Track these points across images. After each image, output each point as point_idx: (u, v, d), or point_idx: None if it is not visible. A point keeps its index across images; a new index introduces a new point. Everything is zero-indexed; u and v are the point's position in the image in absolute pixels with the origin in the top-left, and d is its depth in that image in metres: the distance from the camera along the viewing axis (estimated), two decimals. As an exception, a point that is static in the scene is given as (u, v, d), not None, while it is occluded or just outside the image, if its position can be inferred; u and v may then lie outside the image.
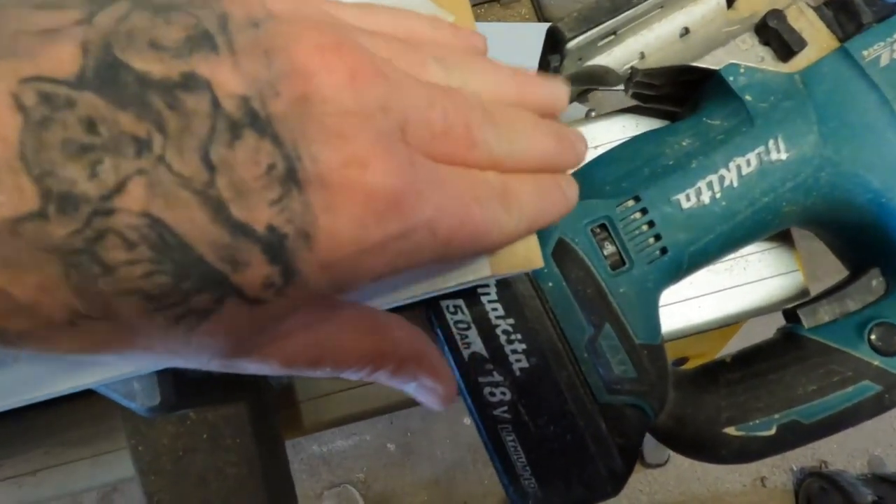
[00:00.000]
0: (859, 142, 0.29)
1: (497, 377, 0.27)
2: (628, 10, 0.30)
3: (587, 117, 0.40)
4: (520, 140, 0.18)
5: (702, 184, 0.29)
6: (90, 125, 0.11)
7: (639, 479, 1.26)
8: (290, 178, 0.12)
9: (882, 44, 0.29)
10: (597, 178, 0.30)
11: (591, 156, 0.38)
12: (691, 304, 0.36)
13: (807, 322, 0.30)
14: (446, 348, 0.27)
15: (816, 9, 0.30)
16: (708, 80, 0.31)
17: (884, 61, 0.29)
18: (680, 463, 1.25)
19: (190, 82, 0.11)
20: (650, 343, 0.28)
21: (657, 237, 0.29)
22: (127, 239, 0.11)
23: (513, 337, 0.27)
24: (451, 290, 0.22)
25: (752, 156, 0.29)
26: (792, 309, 0.31)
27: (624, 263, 0.28)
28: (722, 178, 0.29)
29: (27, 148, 0.10)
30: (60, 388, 0.19)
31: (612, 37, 0.31)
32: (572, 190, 0.21)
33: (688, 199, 0.29)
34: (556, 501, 0.27)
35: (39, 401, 0.20)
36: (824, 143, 0.29)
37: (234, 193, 0.12)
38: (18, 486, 0.36)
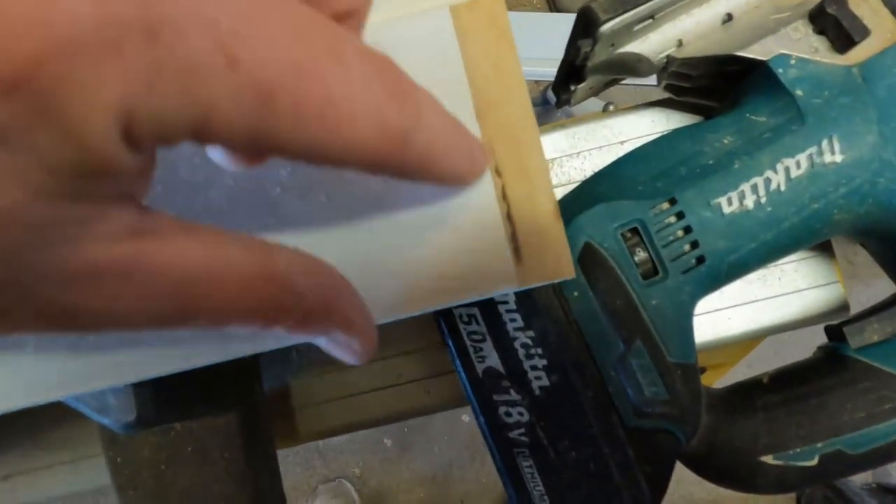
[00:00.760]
0: (923, 144, 0.26)
1: (514, 395, 0.24)
2: (668, -9, 0.27)
3: (605, 111, 0.37)
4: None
5: (745, 187, 0.26)
6: None
7: (639, 482, 1.24)
8: None
9: (952, 36, 0.26)
10: (627, 176, 0.27)
11: (616, 152, 0.35)
12: (721, 314, 0.34)
13: (853, 342, 0.28)
14: (458, 362, 0.25)
15: (879, -5, 0.27)
16: (753, 73, 0.28)
17: (953, 55, 0.26)
18: (679, 466, 1.23)
19: None
20: (684, 362, 0.25)
21: (694, 244, 0.26)
22: None
23: (532, 351, 0.24)
24: (469, 301, 0.19)
25: (802, 157, 0.26)
26: (836, 326, 0.29)
27: (657, 273, 0.26)
28: (768, 182, 0.26)
29: None
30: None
31: (649, 21, 0.28)
32: None
33: (729, 203, 0.26)
34: (574, 534, 0.24)
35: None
36: (884, 144, 0.26)
37: None
38: (-9, 491, 0.34)
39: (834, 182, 0.26)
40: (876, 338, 0.28)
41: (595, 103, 0.73)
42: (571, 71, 0.31)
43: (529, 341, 0.24)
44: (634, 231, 0.26)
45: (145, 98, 0.11)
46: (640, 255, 0.26)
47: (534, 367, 0.24)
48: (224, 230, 0.14)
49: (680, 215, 0.26)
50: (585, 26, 0.27)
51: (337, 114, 0.13)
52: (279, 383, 0.34)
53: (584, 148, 0.35)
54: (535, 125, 0.20)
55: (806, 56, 0.27)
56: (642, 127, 0.35)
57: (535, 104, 1.08)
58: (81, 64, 0.10)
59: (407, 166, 0.14)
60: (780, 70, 0.27)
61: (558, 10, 1.27)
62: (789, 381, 0.28)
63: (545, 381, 0.24)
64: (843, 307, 0.33)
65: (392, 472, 1.26)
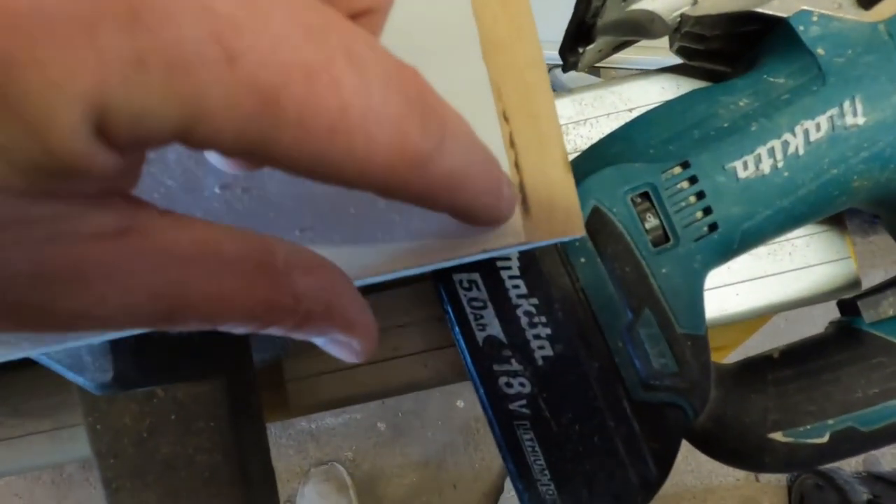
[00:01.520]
0: (949, 109, 0.24)
1: (516, 366, 0.23)
2: (686, -58, 0.25)
3: (611, 79, 0.35)
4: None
5: (762, 150, 0.25)
6: None
7: (632, 469, 1.24)
8: None
9: (983, -6, 0.24)
10: (639, 138, 0.26)
11: (625, 120, 0.34)
12: (728, 290, 0.33)
13: (868, 316, 0.26)
14: (457, 330, 0.23)
15: (906, -49, 0.25)
16: (772, 31, 0.27)
17: (984, 15, 0.24)
18: (674, 454, 1.23)
19: None
20: (694, 333, 0.24)
21: (707, 210, 0.25)
22: None
23: (536, 320, 0.23)
24: (471, 259, 0.18)
25: (822, 119, 0.25)
26: (850, 300, 0.27)
27: (668, 239, 0.24)
28: (786, 145, 0.25)
29: None
30: None
31: (665, -25, 0.27)
32: None
33: (745, 167, 0.25)
34: (576, 510, 0.23)
35: None
36: (910, 107, 0.24)
37: None
38: (-35, 462, 0.33)
39: (855, 146, 0.25)
40: (892, 312, 0.26)
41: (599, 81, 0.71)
42: (580, 30, 0.29)
43: (533, 309, 0.23)
44: (645, 196, 0.25)
45: (122, 92, 0.09)
46: (651, 220, 0.25)
47: (537, 336, 0.23)
48: (218, 224, 0.13)
49: (693, 180, 0.25)
50: (597, -23, 0.25)
51: (350, 128, 0.11)
52: (270, 354, 0.33)
53: (591, 115, 0.33)
54: (545, 69, 0.19)
55: (829, 12, 0.25)
56: (652, 94, 0.33)
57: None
58: (46, 48, 0.09)
59: (424, 194, 0.13)
60: (801, 27, 0.25)
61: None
62: (801, 356, 0.27)
63: (549, 351, 0.23)
64: (855, 283, 0.32)
65: (385, 457, 1.25)
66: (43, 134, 0.09)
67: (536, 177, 0.18)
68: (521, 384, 0.23)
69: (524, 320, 0.23)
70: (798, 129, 0.25)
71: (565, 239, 0.18)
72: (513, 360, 0.23)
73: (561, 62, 0.33)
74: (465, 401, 1.26)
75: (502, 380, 0.23)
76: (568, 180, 0.18)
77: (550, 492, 0.23)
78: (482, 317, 0.23)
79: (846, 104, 0.24)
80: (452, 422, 1.26)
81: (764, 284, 0.32)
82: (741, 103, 0.26)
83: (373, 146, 0.11)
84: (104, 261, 0.11)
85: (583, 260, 0.24)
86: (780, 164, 0.25)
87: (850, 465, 1.27)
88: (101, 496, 0.26)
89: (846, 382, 0.25)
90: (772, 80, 0.26)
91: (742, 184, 0.25)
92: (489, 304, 0.23)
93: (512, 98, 0.18)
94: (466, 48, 0.17)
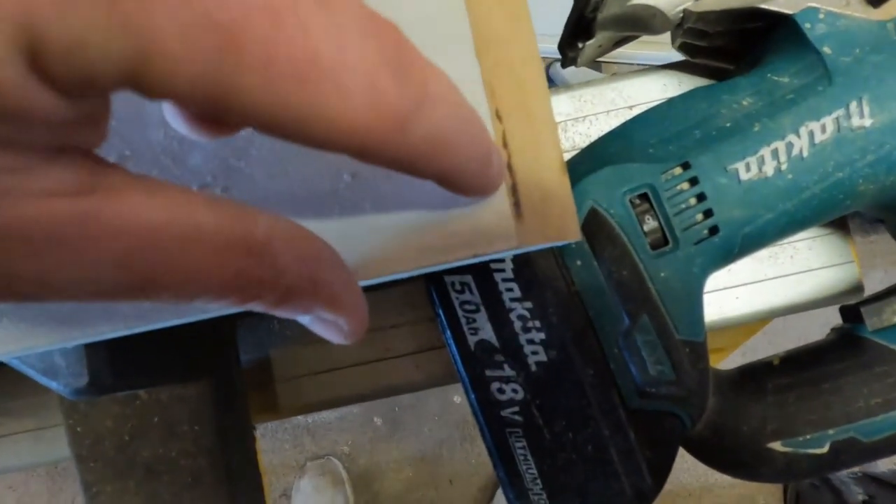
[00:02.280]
0: (959, 111, 0.24)
1: (508, 371, 0.22)
2: (691, -66, 0.24)
3: (610, 76, 0.35)
4: None
5: (765, 152, 0.24)
6: None
7: (628, 466, 1.24)
8: None
9: None
10: (638, 138, 0.25)
11: (625, 118, 0.33)
12: (728, 293, 0.32)
13: (871, 323, 0.26)
14: (448, 333, 0.23)
15: (918, -54, 0.25)
16: (777, 28, 0.26)
17: None
18: (670, 452, 1.23)
19: None
20: (692, 339, 0.23)
21: (707, 213, 0.24)
22: None
23: (530, 324, 0.22)
24: (461, 264, 0.17)
25: (828, 120, 0.24)
26: (853, 306, 0.27)
27: (667, 242, 0.24)
28: (790, 146, 0.24)
29: None
30: None
31: (668, -32, 0.26)
32: None
33: (747, 168, 0.24)
34: (568, 520, 0.23)
35: None
36: (919, 109, 0.24)
37: None
38: (-53, 461, 0.32)
39: (861, 148, 0.24)
40: (895, 319, 0.26)
41: (598, 76, 0.70)
42: (580, 24, 0.29)
43: (527, 313, 0.22)
44: (644, 197, 0.24)
45: (56, 16, 0.08)
46: (650, 223, 0.24)
47: (531, 341, 0.22)
48: (193, 191, 0.12)
49: (693, 181, 0.24)
50: (598, -30, 0.24)
51: (319, 78, 0.10)
52: (258, 354, 0.32)
53: (590, 112, 0.32)
54: (541, 66, 0.18)
55: (836, 10, 0.25)
56: (653, 91, 0.32)
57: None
58: None
59: (404, 159, 0.12)
60: (808, 25, 0.25)
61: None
62: (801, 363, 0.26)
63: (542, 357, 0.22)
64: (858, 288, 0.31)
65: (381, 451, 1.25)
66: None
67: (530, 179, 0.17)
68: (514, 390, 0.22)
69: (518, 324, 0.23)
70: (803, 131, 0.24)
71: (560, 243, 0.18)
72: (505, 366, 0.23)
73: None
74: (461, 396, 1.26)
75: (494, 385, 0.23)
76: (563, 182, 0.18)
77: (542, 501, 0.22)
78: (474, 320, 0.23)
79: (853, 105, 0.24)
80: (449, 417, 1.25)
81: (765, 288, 0.32)
82: (744, 102, 0.25)
83: (346, 101, 0.10)
84: (58, 222, 0.10)
85: (579, 263, 0.23)
86: (783, 167, 0.24)
87: (846, 465, 1.26)
88: (87, 496, 0.25)
89: (848, 391, 0.25)
90: (776, 78, 0.25)
91: (744, 186, 0.24)
92: (482, 307, 0.23)
93: (505, 96, 0.17)
94: (458, 43, 0.17)
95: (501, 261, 0.23)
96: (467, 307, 0.23)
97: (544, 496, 0.22)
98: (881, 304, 0.26)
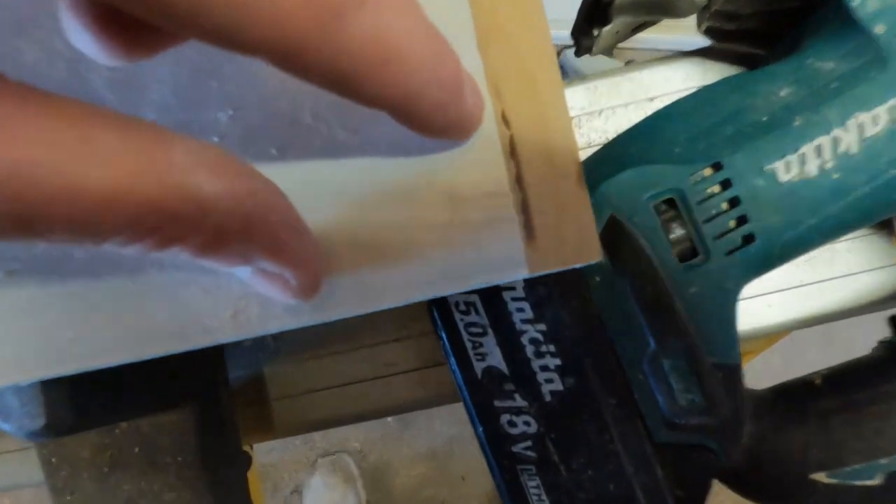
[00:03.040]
0: None
1: (520, 401, 0.20)
2: None
3: (628, 65, 0.32)
4: None
5: (807, 149, 0.21)
6: None
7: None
8: None
9: None
10: (662, 136, 0.23)
11: (645, 111, 0.30)
12: (759, 301, 0.29)
13: (925, 337, 0.23)
14: (453, 359, 0.20)
15: None
16: (819, 7, 0.23)
17: None
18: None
19: None
20: (726, 363, 0.21)
21: (742, 219, 0.21)
22: None
23: (544, 349, 0.20)
24: (460, 291, 0.15)
25: (881, 111, 0.21)
26: (904, 318, 0.24)
27: (696, 254, 0.21)
28: (836, 142, 0.21)
29: None
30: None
31: (695, -58, 0.23)
32: None
33: (787, 168, 0.21)
34: (589, 564, 0.20)
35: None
36: None
37: None
38: None
39: (919, 144, 0.21)
40: (954, 333, 0.23)
41: (614, 63, 0.67)
42: (595, 9, 0.26)
43: (540, 336, 0.20)
44: (670, 203, 0.21)
45: None
46: (677, 231, 0.21)
47: (544, 368, 0.20)
48: (94, 105, 0.10)
49: (726, 184, 0.21)
50: (616, -54, 0.22)
51: None
52: (250, 371, 0.30)
53: (606, 105, 0.30)
54: (555, 63, 0.15)
55: (891, -15, 0.22)
56: (675, 81, 0.30)
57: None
58: None
59: (341, 68, 0.10)
60: (856, 2, 0.22)
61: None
62: (847, 383, 0.23)
63: (558, 385, 0.20)
64: (905, 294, 0.29)
65: (393, 448, 1.24)
66: None
67: (543, 193, 0.14)
68: (526, 423, 0.20)
69: (530, 349, 0.20)
70: (851, 123, 0.21)
71: (579, 265, 0.15)
72: (517, 395, 0.20)
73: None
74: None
75: (504, 417, 0.20)
76: (581, 196, 0.15)
77: (559, 546, 0.20)
78: (481, 345, 0.20)
79: (910, 93, 0.21)
80: (461, 414, 1.23)
81: (800, 294, 0.29)
82: (782, 93, 0.22)
83: None
84: None
85: (598, 279, 0.21)
86: (828, 165, 0.21)
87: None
88: None
89: (900, 415, 0.22)
90: (819, 64, 0.23)
91: (784, 188, 0.21)
92: (489, 330, 0.20)
93: (513, 97, 0.14)
94: (457, 34, 0.14)
95: (511, 278, 0.20)
96: (473, 330, 0.20)
97: (562, 540, 0.20)
98: (936, 316, 0.23)
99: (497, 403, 0.20)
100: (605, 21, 0.26)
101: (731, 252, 0.21)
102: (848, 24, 0.22)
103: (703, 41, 0.28)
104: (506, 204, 0.14)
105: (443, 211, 0.14)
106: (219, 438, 0.25)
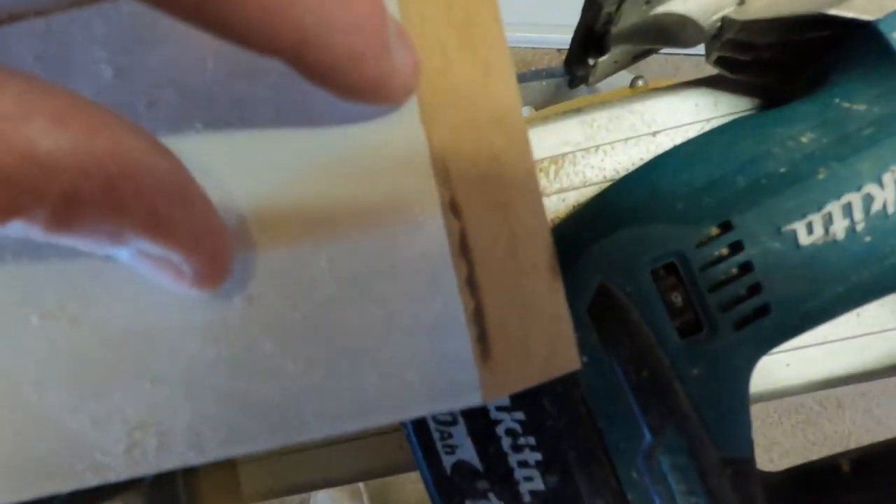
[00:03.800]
0: None
1: (495, 502, 0.18)
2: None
3: (634, 87, 0.29)
4: None
5: (834, 207, 0.18)
6: None
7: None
8: None
9: None
10: (663, 187, 0.20)
11: (647, 147, 0.27)
12: (776, 360, 0.26)
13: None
14: (419, 452, 0.18)
15: None
16: (849, 39, 0.20)
17: None
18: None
19: None
20: (736, 456, 0.18)
21: (755, 288, 0.18)
22: None
23: (522, 441, 0.17)
24: (404, 419, 0.12)
25: (921, 165, 0.18)
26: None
27: (700, 328, 0.18)
28: (868, 200, 0.18)
29: None
30: None
31: (702, -33, 0.20)
32: None
33: (809, 230, 0.18)
34: None
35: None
36: None
37: None
38: None
39: (967, 202, 0.18)
40: None
41: (622, 76, 0.63)
42: (590, 38, 0.23)
43: (518, 426, 0.17)
44: (671, 268, 0.19)
45: None
46: (679, 302, 0.18)
47: (523, 464, 0.17)
48: None
49: (736, 247, 0.19)
50: (609, -26, 0.19)
51: None
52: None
53: (604, 140, 0.27)
54: (522, 125, 0.13)
55: (933, 16, 0.19)
56: (682, 114, 0.27)
57: (556, 75, 0.98)
58: None
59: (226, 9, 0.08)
60: (895, 35, 0.19)
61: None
62: (881, 470, 0.20)
63: (539, 484, 0.17)
64: (944, 355, 0.25)
65: (400, 460, 1.22)
66: None
67: (503, 297, 0.12)
68: (502, 527, 0.17)
69: (506, 442, 0.18)
70: (887, 178, 0.18)
71: (550, 378, 0.13)
72: (490, 495, 0.18)
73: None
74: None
75: (477, 519, 0.18)
76: (554, 289, 0.13)
77: None
78: (451, 435, 0.18)
79: (957, 144, 0.18)
80: (469, 427, 1.21)
81: (823, 353, 0.26)
82: (803, 139, 0.20)
83: None
84: None
85: (585, 359, 0.18)
86: (859, 227, 0.18)
87: None
88: None
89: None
90: (847, 105, 0.20)
91: (804, 253, 0.18)
92: (459, 419, 0.18)
93: (466, 177, 0.12)
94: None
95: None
96: (441, 418, 0.18)
97: None
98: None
99: (468, 503, 0.18)
100: (602, 50, 0.24)
101: (740, 326, 0.18)
102: (884, 61, 0.19)
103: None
104: (453, 314, 0.11)
105: (376, 322, 0.11)
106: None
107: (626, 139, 0.27)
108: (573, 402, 0.18)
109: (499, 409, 0.18)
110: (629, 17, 0.21)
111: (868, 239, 0.18)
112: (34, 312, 0.12)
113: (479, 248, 0.12)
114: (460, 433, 0.18)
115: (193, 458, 0.12)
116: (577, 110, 0.27)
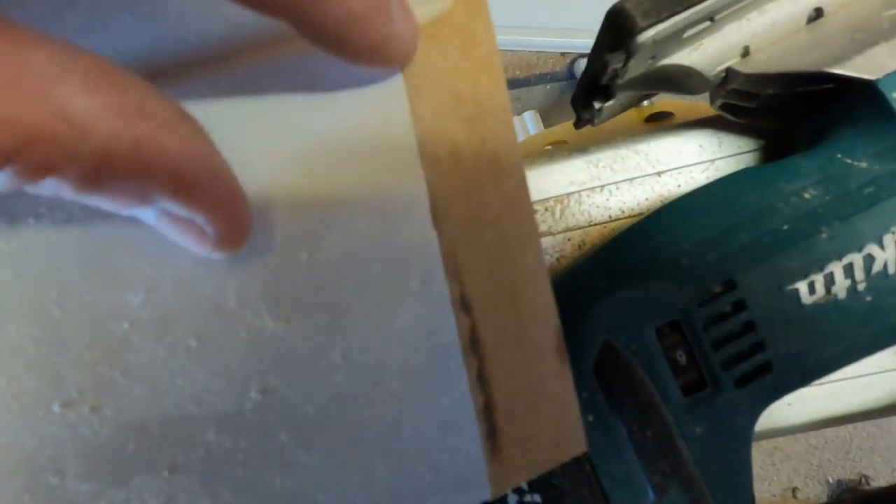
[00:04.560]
0: None
1: (499, 558, 0.18)
2: (736, -19, 0.19)
3: (640, 107, 0.29)
4: None
5: (835, 267, 0.19)
6: None
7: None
8: None
9: None
10: (667, 242, 0.20)
11: (652, 186, 0.27)
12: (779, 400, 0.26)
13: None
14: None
15: None
16: (851, 96, 0.20)
17: None
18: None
19: None
20: (738, 513, 0.18)
21: (757, 346, 0.19)
22: None
23: (528, 499, 0.18)
24: None
25: (923, 226, 0.18)
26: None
27: (704, 386, 0.19)
28: (869, 260, 0.19)
29: None
30: None
31: (707, 24, 0.20)
32: None
33: (811, 289, 0.19)
34: None
35: None
36: None
37: None
38: None
39: (968, 264, 0.18)
40: None
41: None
42: (595, 87, 0.23)
43: (524, 484, 0.18)
44: (675, 326, 0.19)
45: None
46: (682, 360, 0.19)
47: (528, 521, 0.18)
48: None
49: (739, 305, 0.19)
50: (616, 35, 0.19)
51: None
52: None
53: (609, 180, 0.27)
54: (531, 217, 0.13)
55: (936, 77, 0.19)
56: (687, 154, 0.27)
57: (560, 79, 0.98)
58: None
59: None
60: (896, 97, 0.19)
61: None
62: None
63: (543, 541, 0.18)
64: (945, 396, 0.26)
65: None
66: None
67: (512, 388, 0.12)
68: (507, 582, 0.18)
69: (513, 499, 0.18)
70: (888, 239, 0.18)
71: (558, 464, 0.13)
72: (496, 551, 0.18)
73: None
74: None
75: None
76: (561, 374, 0.13)
77: None
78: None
79: (958, 207, 0.18)
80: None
81: (824, 393, 0.26)
82: (806, 195, 0.20)
83: None
84: None
85: (590, 418, 0.18)
86: (860, 286, 0.19)
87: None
88: None
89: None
90: (849, 161, 0.20)
91: (807, 312, 0.19)
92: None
93: (477, 274, 0.12)
94: (409, 201, 0.12)
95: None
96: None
97: None
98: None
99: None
100: (607, 97, 0.24)
101: (743, 383, 0.19)
102: (885, 119, 0.19)
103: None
104: (463, 411, 0.11)
105: (388, 416, 0.12)
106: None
107: (631, 179, 0.27)
108: (578, 461, 0.18)
109: (505, 466, 0.18)
110: (635, 70, 0.22)
111: (869, 298, 0.19)
112: (55, 400, 0.12)
113: (490, 341, 0.12)
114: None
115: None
116: (583, 150, 0.27)
